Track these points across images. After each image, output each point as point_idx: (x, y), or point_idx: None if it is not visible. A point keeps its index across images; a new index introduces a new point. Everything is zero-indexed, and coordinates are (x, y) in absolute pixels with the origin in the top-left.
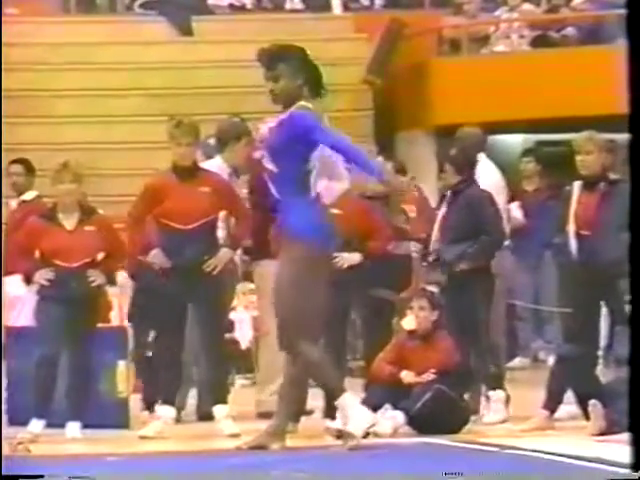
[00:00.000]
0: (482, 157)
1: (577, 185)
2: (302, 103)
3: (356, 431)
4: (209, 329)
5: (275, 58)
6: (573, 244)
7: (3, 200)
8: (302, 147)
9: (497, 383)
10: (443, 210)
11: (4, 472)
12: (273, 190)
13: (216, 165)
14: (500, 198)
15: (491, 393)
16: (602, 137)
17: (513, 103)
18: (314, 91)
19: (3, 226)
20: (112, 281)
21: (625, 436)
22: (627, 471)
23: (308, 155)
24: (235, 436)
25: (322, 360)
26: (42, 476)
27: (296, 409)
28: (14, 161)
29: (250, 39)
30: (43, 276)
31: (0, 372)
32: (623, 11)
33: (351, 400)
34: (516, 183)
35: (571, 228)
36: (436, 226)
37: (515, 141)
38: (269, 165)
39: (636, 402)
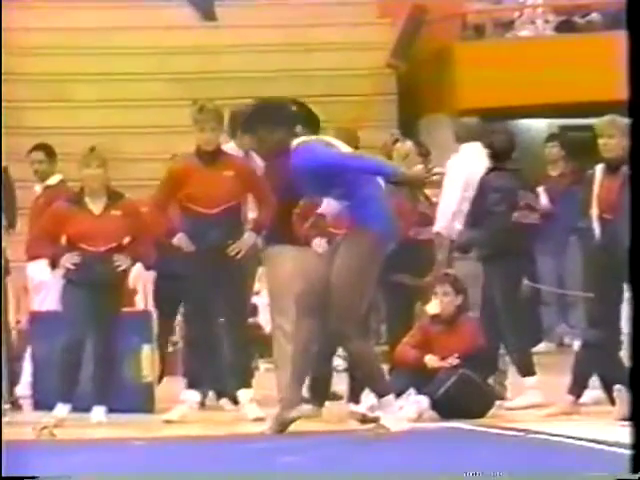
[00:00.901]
0: (472, 146)
1: (599, 169)
2: (296, 142)
3: (393, 427)
4: (233, 313)
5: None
6: (597, 228)
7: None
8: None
9: (529, 369)
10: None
11: (4, 472)
12: (337, 204)
13: (229, 149)
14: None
15: (526, 380)
16: (624, 121)
17: (537, 88)
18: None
19: (25, 211)
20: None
21: None
22: None
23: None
24: (260, 420)
25: (373, 352)
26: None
27: (305, 378)
28: (35, 148)
29: (273, 24)
30: (69, 260)
31: (0, 370)
32: None
33: (393, 400)
34: (541, 168)
35: (594, 212)
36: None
37: (539, 126)
38: (335, 191)
39: (636, 403)
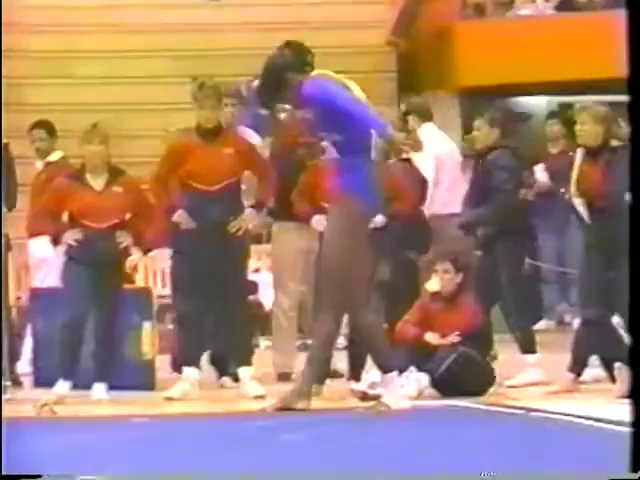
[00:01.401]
0: (430, 126)
1: (579, 153)
2: (314, 73)
3: (394, 405)
4: (233, 290)
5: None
6: (584, 212)
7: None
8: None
9: (531, 346)
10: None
11: (4, 472)
12: (333, 151)
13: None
14: (454, 166)
15: (527, 357)
16: (597, 108)
17: (537, 66)
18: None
19: (26, 188)
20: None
21: None
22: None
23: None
24: (260, 397)
25: (378, 324)
26: (40, 476)
27: (322, 371)
28: (35, 125)
29: (275, 3)
30: (71, 237)
31: (0, 349)
32: None
33: (396, 377)
34: (541, 145)
35: (574, 194)
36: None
37: (539, 104)
38: (331, 139)
39: (636, 403)
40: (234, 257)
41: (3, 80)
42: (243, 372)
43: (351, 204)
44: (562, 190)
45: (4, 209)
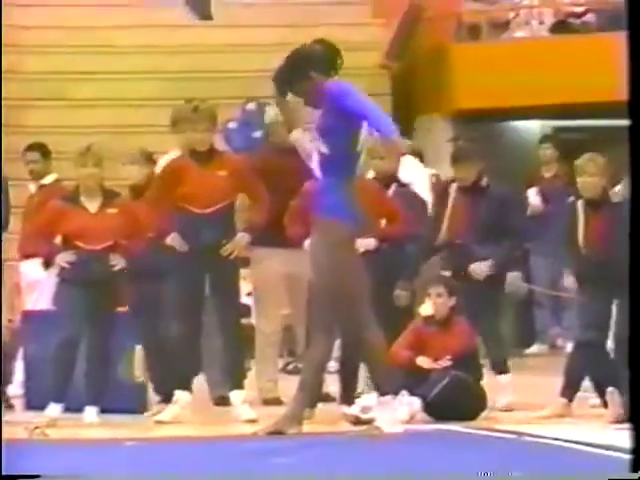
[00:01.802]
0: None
1: (581, 204)
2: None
3: (387, 428)
4: (226, 314)
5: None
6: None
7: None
8: (344, 122)
9: (505, 367)
10: (466, 203)
11: (4, 472)
12: (318, 170)
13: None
14: (425, 194)
15: (500, 377)
16: (598, 159)
17: (532, 89)
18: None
19: (19, 210)
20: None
21: None
22: None
23: (354, 132)
24: (252, 421)
25: (380, 344)
26: (40, 476)
27: (314, 395)
28: (29, 147)
29: (268, 24)
30: (65, 259)
31: (0, 368)
32: None
33: (391, 400)
34: (534, 169)
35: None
36: (458, 218)
37: (533, 127)
38: (320, 147)
39: (636, 403)
40: (227, 280)
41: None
42: (235, 395)
43: (333, 226)
44: None
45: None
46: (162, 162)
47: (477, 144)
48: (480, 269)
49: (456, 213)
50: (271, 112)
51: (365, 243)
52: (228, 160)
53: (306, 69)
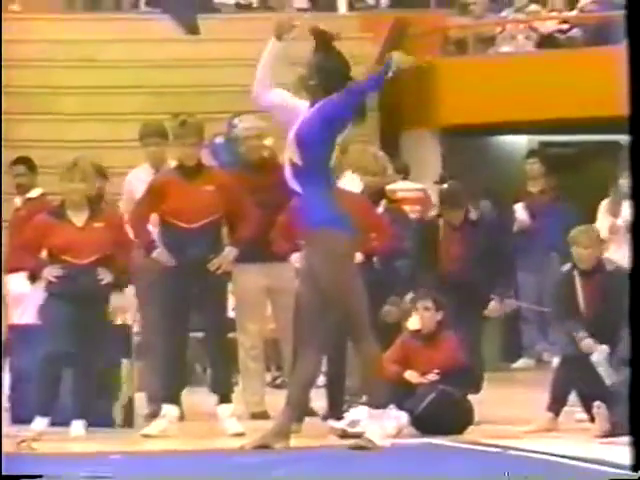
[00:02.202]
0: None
1: (577, 274)
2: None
3: (378, 442)
4: (212, 329)
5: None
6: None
7: (4, 197)
8: (329, 130)
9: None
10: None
11: (4, 472)
12: (294, 184)
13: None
14: None
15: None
16: (592, 231)
17: (518, 104)
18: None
19: (5, 224)
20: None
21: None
22: (629, 473)
23: (334, 140)
24: (239, 435)
25: (376, 357)
26: (42, 476)
27: (302, 410)
28: (16, 161)
29: (255, 38)
30: (52, 273)
31: (0, 371)
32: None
33: (382, 414)
34: (521, 184)
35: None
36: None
37: (520, 142)
38: (295, 158)
39: (636, 403)
40: (213, 295)
41: None
42: (222, 410)
43: (332, 237)
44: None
45: None
46: (129, 176)
47: (465, 185)
48: (496, 309)
49: (448, 247)
50: (241, 125)
51: None
52: (215, 175)
53: (343, 80)
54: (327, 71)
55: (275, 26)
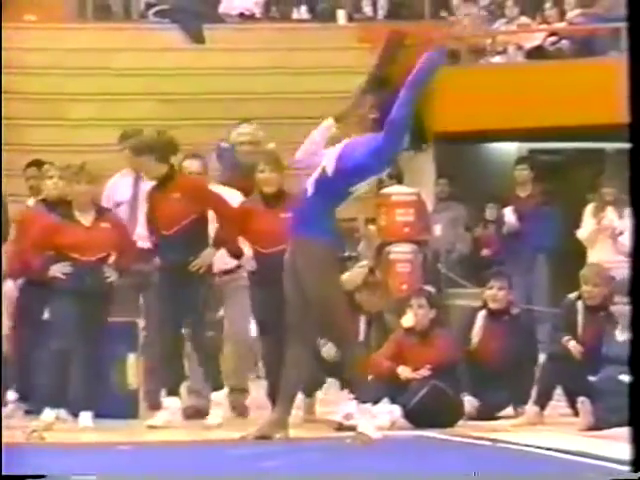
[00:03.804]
0: None
1: (580, 310)
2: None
3: (373, 435)
4: (195, 329)
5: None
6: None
7: (4, 199)
8: (374, 164)
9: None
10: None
11: (4, 472)
12: (311, 186)
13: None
14: None
15: None
16: (602, 268)
17: (508, 112)
18: None
19: (18, 225)
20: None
21: (612, 432)
22: (612, 465)
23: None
24: (218, 426)
25: (363, 356)
26: (44, 476)
27: (293, 402)
28: (29, 164)
29: (259, 47)
30: (60, 270)
31: (0, 369)
32: (615, 25)
33: (370, 408)
34: (510, 189)
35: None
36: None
37: (509, 149)
38: (329, 170)
39: (636, 402)
40: (195, 295)
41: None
42: (214, 396)
43: (321, 248)
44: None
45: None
46: (111, 181)
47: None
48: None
49: (486, 338)
50: (235, 132)
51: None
52: (180, 182)
53: None
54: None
55: (339, 113)
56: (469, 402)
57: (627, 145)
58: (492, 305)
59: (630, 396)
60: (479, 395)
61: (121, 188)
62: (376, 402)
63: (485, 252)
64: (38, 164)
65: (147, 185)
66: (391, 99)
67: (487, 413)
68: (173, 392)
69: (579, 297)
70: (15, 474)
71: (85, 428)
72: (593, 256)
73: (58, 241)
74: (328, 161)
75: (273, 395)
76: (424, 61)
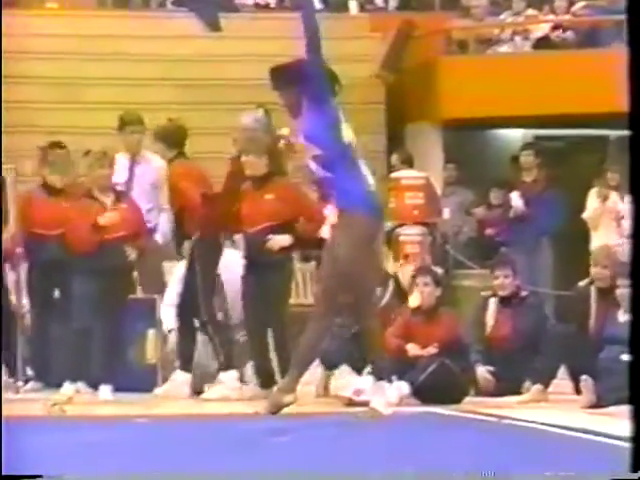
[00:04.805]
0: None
1: (593, 291)
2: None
3: (384, 411)
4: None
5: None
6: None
7: (3, 189)
8: (323, 111)
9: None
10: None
11: (4, 472)
12: (322, 172)
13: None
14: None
15: None
16: (617, 250)
17: (515, 100)
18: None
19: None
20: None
21: (613, 409)
22: (613, 441)
23: (333, 114)
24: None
25: (380, 330)
26: (41, 476)
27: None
28: (51, 145)
29: (273, 35)
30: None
31: (0, 355)
32: (619, 17)
33: (384, 385)
34: (516, 174)
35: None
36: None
37: (515, 135)
38: (314, 151)
39: (636, 401)
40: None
41: (3, 104)
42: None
43: (354, 221)
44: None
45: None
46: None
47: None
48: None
49: (499, 323)
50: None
51: (280, 240)
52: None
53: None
54: None
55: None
56: (481, 374)
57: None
58: (501, 293)
59: (630, 377)
60: (496, 375)
61: (118, 170)
62: (388, 380)
63: (489, 231)
64: (59, 145)
65: (142, 167)
66: None
67: (505, 390)
68: (229, 367)
69: (591, 282)
70: (15, 474)
71: (105, 401)
72: (597, 239)
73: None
74: (307, 149)
75: (259, 373)
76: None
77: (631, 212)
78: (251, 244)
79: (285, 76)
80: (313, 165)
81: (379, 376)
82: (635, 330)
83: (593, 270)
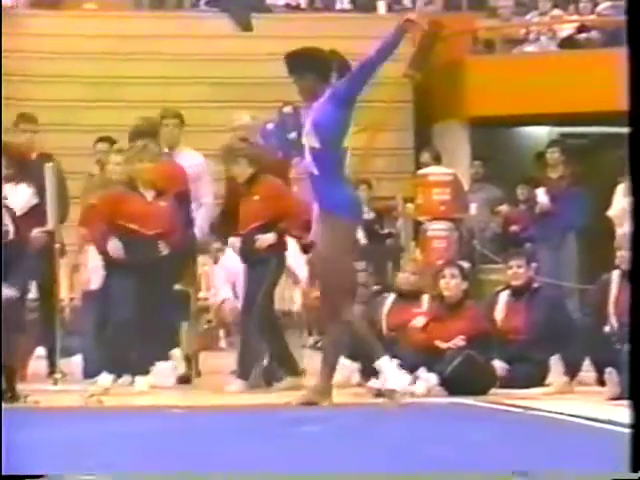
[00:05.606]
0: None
1: (616, 275)
2: None
3: (396, 388)
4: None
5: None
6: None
7: (3, 185)
8: (342, 110)
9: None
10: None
11: (4, 472)
12: (312, 166)
13: None
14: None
15: None
16: None
17: (540, 98)
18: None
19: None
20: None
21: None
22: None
23: (349, 119)
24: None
25: (363, 323)
26: (44, 475)
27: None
28: (100, 140)
29: (303, 35)
30: (114, 247)
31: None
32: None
33: (388, 363)
34: (542, 171)
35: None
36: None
37: (541, 133)
38: (314, 142)
39: (636, 402)
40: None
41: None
42: None
43: (335, 224)
44: None
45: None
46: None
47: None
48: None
49: (510, 315)
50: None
51: (265, 239)
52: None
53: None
54: None
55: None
56: (500, 368)
57: None
58: (514, 283)
59: (630, 394)
60: (509, 367)
61: None
62: (413, 371)
63: (514, 228)
64: (107, 140)
65: (180, 162)
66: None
67: (518, 383)
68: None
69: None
70: (15, 474)
71: (141, 392)
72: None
73: (122, 211)
74: (309, 137)
75: (242, 364)
76: (381, 42)
77: (631, 212)
78: (244, 245)
79: (301, 62)
80: (309, 157)
81: (377, 355)
82: (635, 330)
83: (618, 254)
